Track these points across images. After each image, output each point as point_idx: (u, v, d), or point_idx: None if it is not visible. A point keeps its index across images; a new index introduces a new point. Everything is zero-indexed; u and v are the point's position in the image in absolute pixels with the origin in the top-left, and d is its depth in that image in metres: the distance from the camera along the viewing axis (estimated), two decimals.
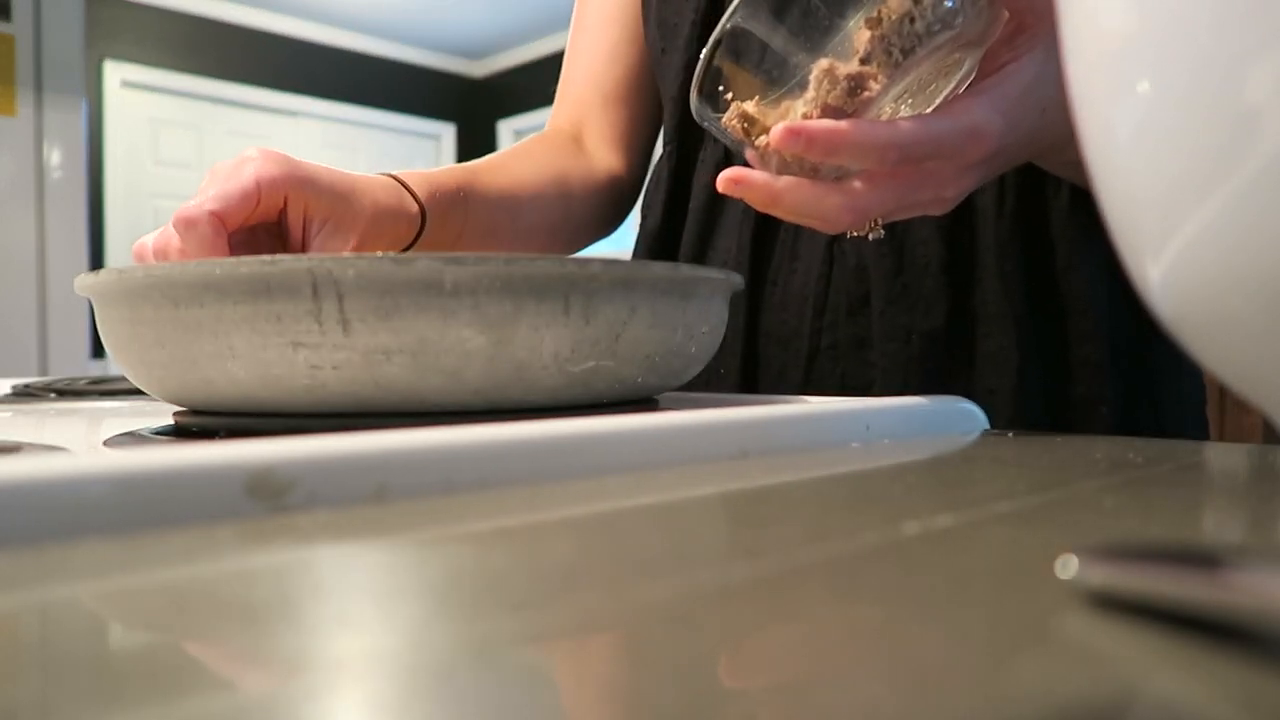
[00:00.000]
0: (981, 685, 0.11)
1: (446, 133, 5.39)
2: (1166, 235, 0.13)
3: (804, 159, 0.37)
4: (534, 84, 5.26)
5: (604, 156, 0.72)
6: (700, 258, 0.65)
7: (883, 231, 0.40)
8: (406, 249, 0.55)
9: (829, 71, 0.36)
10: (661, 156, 0.70)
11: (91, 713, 0.10)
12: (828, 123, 0.35)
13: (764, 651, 0.13)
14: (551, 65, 5.16)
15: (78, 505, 0.19)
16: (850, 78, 0.36)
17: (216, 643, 0.13)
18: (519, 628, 0.13)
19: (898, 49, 0.36)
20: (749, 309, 0.61)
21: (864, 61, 0.36)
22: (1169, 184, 0.13)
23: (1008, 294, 0.55)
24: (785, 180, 0.38)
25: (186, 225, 0.44)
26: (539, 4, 4.69)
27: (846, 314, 0.58)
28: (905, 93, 0.38)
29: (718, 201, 0.64)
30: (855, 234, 0.41)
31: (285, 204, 0.48)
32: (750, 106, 0.38)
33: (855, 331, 0.57)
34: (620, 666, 0.12)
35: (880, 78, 0.36)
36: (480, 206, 0.61)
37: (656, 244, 0.68)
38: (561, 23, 4.91)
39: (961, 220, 0.56)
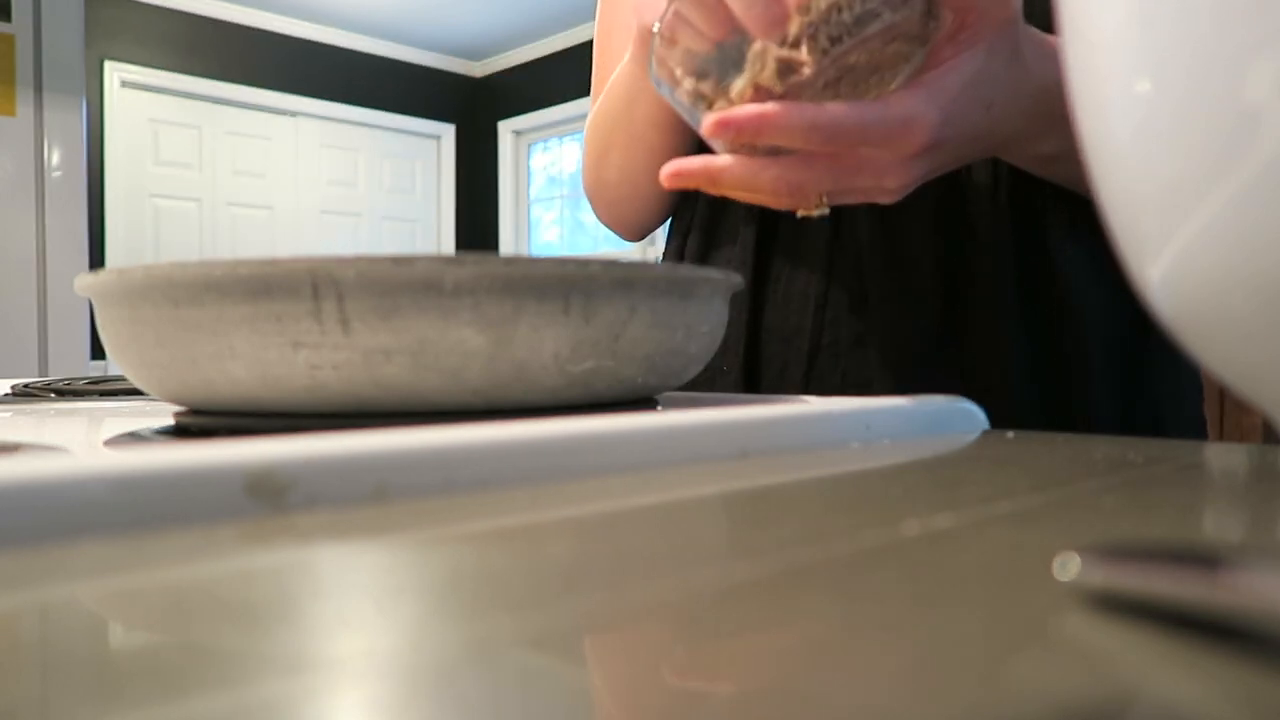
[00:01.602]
0: (981, 685, 0.11)
1: (446, 133, 5.39)
2: (1166, 235, 0.13)
3: (745, 141, 0.39)
4: (534, 84, 5.26)
5: None
6: (705, 256, 0.65)
7: (827, 211, 0.42)
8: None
9: (762, 53, 0.38)
10: None
11: (91, 713, 0.10)
12: (754, 107, 0.37)
13: (764, 651, 0.13)
14: (552, 65, 5.17)
15: (78, 505, 0.19)
16: (781, 60, 0.38)
17: (216, 643, 0.13)
18: (519, 628, 0.13)
19: (824, 36, 0.37)
20: (752, 306, 0.62)
21: (794, 46, 0.38)
22: (1169, 184, 0.13)
23: (1000, 293, 0.55)
24: (722, 160, 0.40)
25: None
26: (539, 4, 4.69)
27: (848, 311, 0.58)
28: (844, 81, 0.39)
29: (722, 201, 0.64)
30: (802, 214, 0.42)
31: None
32: (704, 84, 0.40)
33: (855, 329, 0.58)
34: (620, 667, 0.12)
35: (810, 63, 0.38)
36: None
37: (672, 243, 0.69)
38: (562, 23, 4.91)
39: (955, 218, 0.56)
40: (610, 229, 0.76)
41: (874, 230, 0.57)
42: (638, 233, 0.76)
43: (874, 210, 0.56)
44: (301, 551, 0.18)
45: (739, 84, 0.38)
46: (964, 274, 0.56)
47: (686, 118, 0.41)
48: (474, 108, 5.51)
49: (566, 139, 5.33)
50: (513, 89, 5.38)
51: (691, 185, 0.40)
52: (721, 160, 0.39)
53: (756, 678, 0.12)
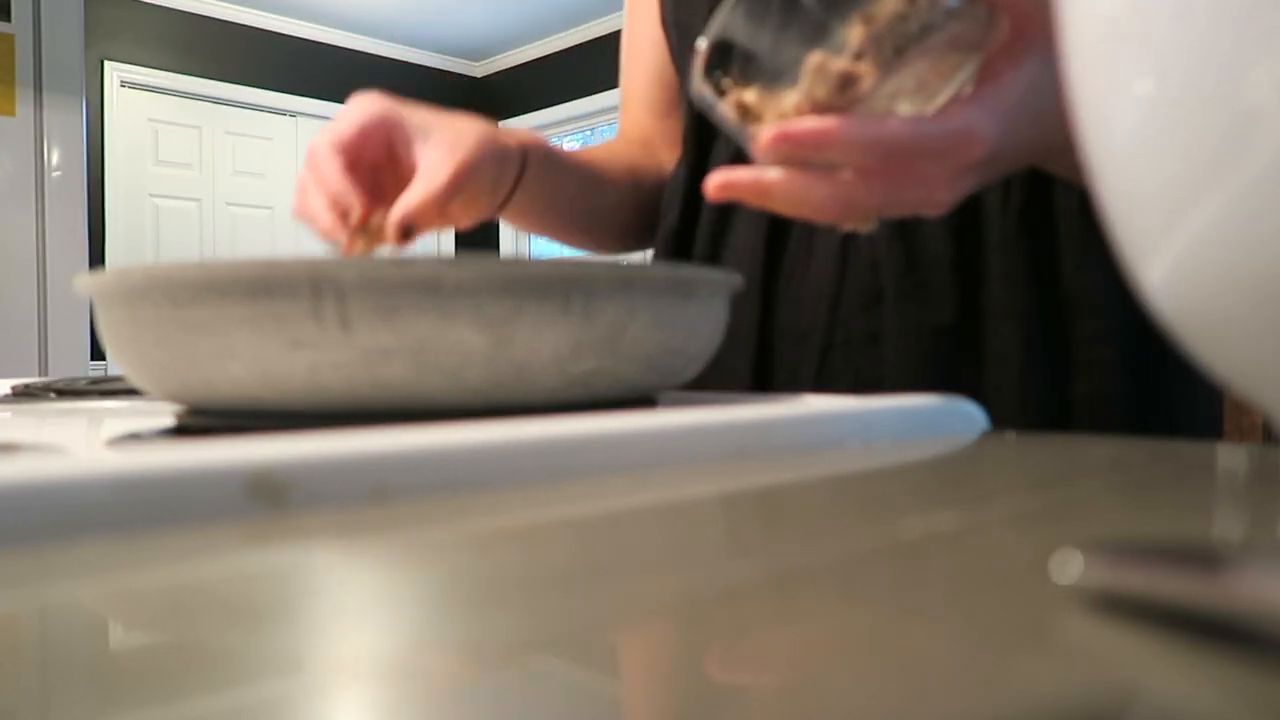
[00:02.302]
0: (981, 685, 0.11)
1: None
2: (1166, 235, 0.13)
3: (803, 156, 0.38)
4: (534, 84, 5.25)
5: (672, 159, 0.74)
6: (715, 255, 0.65)
7: (876, 225, 0.41)
8: (507, 198, 0.60)
9: (821, 66, 0.37)
10: (680, 156, 0.70)
11: (91, 713, 0.10)
12: (813, 121, 0.36)
13: (764, 652, 0.13)
14: (551, 65, 5.16)
15: (78, 505, 0.19)
16: (841, 74, 0.37)
17: (216, 643, 0.13)
18: (519, 628, 0.13)
19: (889, 47, 0.36)
20: (763, 305, 0.61)
21: (856, 58, 0.37)
22: (1168, 183, 0.13)
23: (1013, 292, 0.55)
24: (774, 174, 0.39)
25: (310, 158, 0.53)
26: (539, 4, 4.69)
27: (860, 310, 0.58)
28: (901, 93, 0.39)
29: (728, 207, 0.64)
30: (850, 227, 0.41)
31: (391, 141, 0.56)
32: (749, 95, 0.39)
33: (869, 327, 0.58)
34: (620, 667, 0.12)
35: (871, 75, 0.37)
36: (565, 172, 0.65)
37: (674, 242, 0.69)
38: (562, 23, 4.91)
39: (969, 217, 0.56)
40: None
41: (890, 230, 0.57)
42: (626, 251, 0.77)
43: None
44: (301, 551, 0.18)
45: (793, 97, 0.37)
46: (978, 274, 0.56)
47: (731, 131, 0.40)
48: (474, 108, 5.50)
49: (567, 139, 5.33)
50: (513, 89, 5.38)
51: (739, 198, 0.39)
52: (772, 175, 0.39)
53: (756, 677, 0.12)
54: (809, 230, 0.60)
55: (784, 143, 0.36)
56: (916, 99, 0.39)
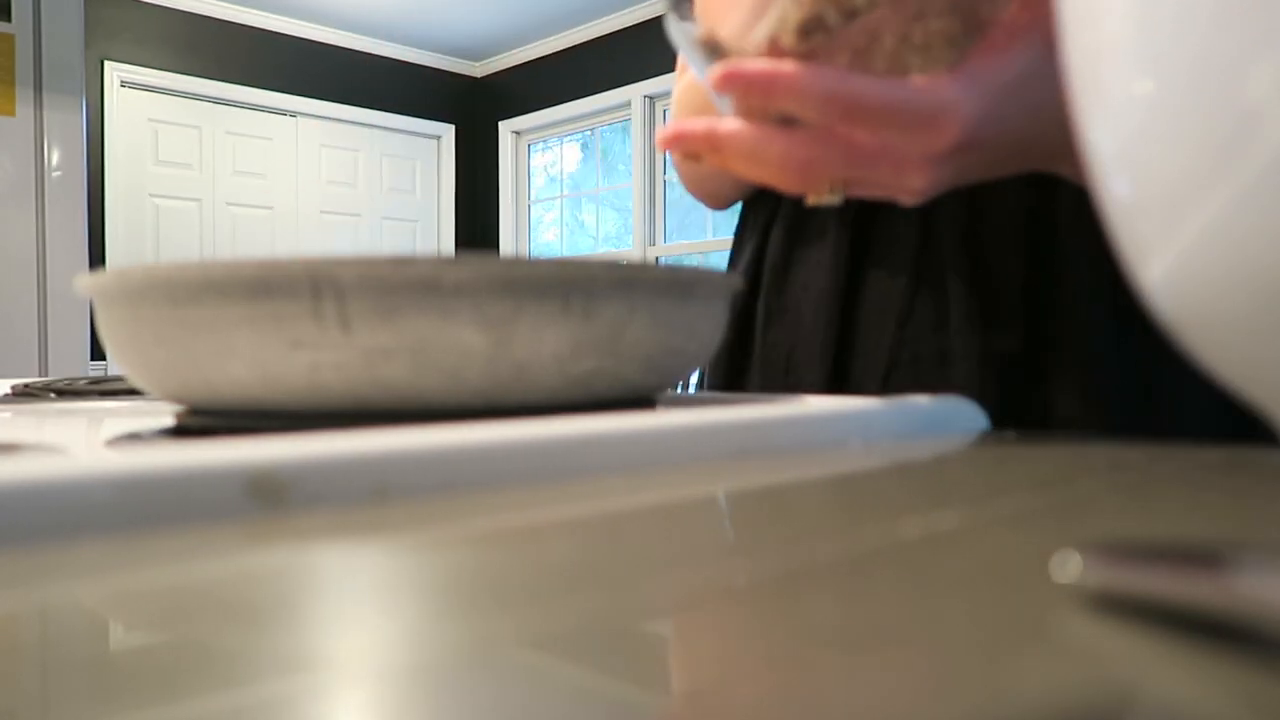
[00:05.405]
0: (981, 686, 0.11)
1: (446, 133, 5.39)
2: (1166, 235, 0.13)
3: (753, 101, 0.35)
4: (534, 84, 5.25)
5: None
6: (785, 270, 0.62)
7: (839, 200, 0.38)
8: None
9: (786, 8, 0.35)
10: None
11: (91, 713, 0.10)
12: (768, 62, 0.33)
13: (763, 651, 0.13)
14: (552, 65, 5.16)
15: (78, 505, 0.19)
16: (806, 20, 0.34)
17: (216, 643, 0.13)
18: (519, 628, 0.13)
19: None
20: (840, 324, 0.58)
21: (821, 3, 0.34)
22: (1168, 184, 0.13)
23: (1089, 319, 0.51)
24: (728, 124, 0.36)
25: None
26: (539, 4, 4.69)
27: (931, 329, 0.55)
28: (876, 53, 0.35)
29: (804, 213, 0.61)
30: (811, 201, 0.38)
31: None
32: (721, 33, 0.37)
33: (938, 347, 0.54)
34: (620, 667, 0.12)
35: (835, 24, 0.34)
36: None
37: (742, 254, 0.66)
38: (561, 23, 4.91)
39: (1044, 238, 0.52)
40: (696, 199, 0.72)
41: (958, 250, 0.53)
42: (725, 205, 0.71)
43: (958, 228, 0.52)
44: (301, 551, 0.18)
45: (758, 33, 0.35)
46: (1051, 299, 0.52)
47: (695, 69, 0.38)
48: (474, 108, 5.51)
49: (566, 139, 5.33)
50: (513, 89, 5.38)
51: (692, 150, 0.37)
52: (727, 124, 0.36)
53: (756, 678, 0.12)
54: (885, 245, 0.56)
55: (732, 80, 0.33)
56: (898, 67, 0.36)
